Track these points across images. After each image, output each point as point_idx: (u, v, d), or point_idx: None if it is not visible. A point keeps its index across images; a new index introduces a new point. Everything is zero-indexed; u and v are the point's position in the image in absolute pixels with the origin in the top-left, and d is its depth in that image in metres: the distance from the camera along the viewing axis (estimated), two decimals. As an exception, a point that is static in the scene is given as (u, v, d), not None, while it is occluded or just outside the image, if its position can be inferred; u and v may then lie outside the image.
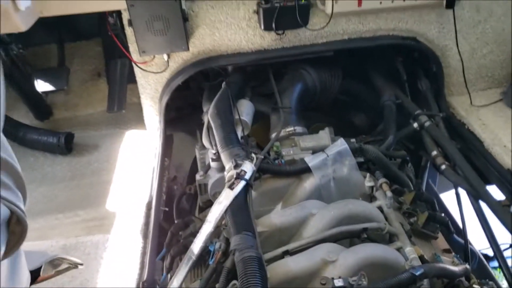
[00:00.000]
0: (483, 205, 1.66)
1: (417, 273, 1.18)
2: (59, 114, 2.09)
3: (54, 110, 2.09)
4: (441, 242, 1.80)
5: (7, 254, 0.74)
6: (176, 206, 1.95)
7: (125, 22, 1.70)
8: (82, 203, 1.58)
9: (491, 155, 1.70)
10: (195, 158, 2.18)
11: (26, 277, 0.87)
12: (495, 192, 1.67)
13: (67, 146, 1.88)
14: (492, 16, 1.91)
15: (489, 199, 1.56)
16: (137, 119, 2.07)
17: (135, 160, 1.80)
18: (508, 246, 2.24)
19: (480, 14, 1.90)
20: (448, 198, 2.23)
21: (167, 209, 1.79)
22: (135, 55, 1.77)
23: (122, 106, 1.97)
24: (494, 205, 1.54)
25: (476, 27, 1.92)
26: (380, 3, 1.76)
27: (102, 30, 2.17)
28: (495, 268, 2.12)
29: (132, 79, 2.07)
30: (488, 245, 1.79)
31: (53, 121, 2.03)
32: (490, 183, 1.73)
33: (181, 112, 2.21)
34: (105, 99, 2.13)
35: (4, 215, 0.70)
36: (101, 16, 2.06)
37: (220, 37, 1.78)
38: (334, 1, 1.71)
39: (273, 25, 1.72)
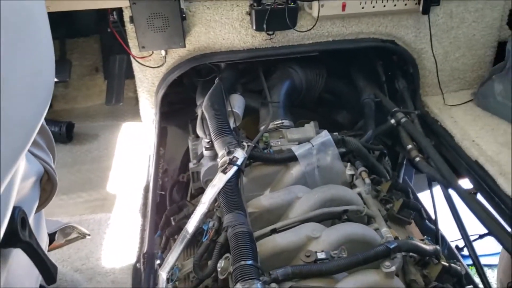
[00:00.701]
0: (453, 194, 1.82)
1: (391, 246, 1.32)
2: (59, 106, 2.19)
3: (53, 102, 2.19)
4: (415, 231, 1.95)
5: (37, 209, 0.83)
6: (170, 194, 2.07)
7: (126, 19, 1.82)
8: (84, 186, 1.69)
9: (460, 149, 1.86)
10: (186, 150, 2.31)
11: (46, 238, 0.97)
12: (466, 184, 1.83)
13: (67, 135, 1.98)
14: (464, 23, 2.08)
15: (458, 188, 1.71)
16: (133, 112, 2.18)
17: (132, 148, 1.91)
18: (477, 237, 2.41)
19: (453, 21, 2.06)
20: (422, 197, 2.38)
21: (163, 192, 1.91)
22: (134, 51, 1.88)
23: (120, 99, 2.08)
24: (463, 193, 1.69)
25: (449, 32, 2.09)
26: (362, 8, 1.91)
27: (101, 27, 2.27)
28: (468, 265, 2.27)
29: (128, 74, 2.19)
30: (458, 237, 1.95)
31: (53, 112, 2.13)
32: (460, 175, 1.89)
33: (173, 107, 2.33)
34: (103, 93, 2.24)
35: (39, 172, 0.80)
36: (100, 14, 2.18)
37: (214, 35, 1.91)
38: (320, 5, 1.85)
39: (264, 26, 1.85)
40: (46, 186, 0.83)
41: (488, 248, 2.70)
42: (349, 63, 2.27)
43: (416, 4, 1.94)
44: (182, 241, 1.48)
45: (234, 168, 1.53)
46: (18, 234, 0.63)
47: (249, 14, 1.88)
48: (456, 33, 2.10)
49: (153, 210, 1.61)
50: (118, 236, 1.48)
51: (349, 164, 1.80)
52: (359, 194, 1.69)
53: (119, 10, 1.83)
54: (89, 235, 1.22)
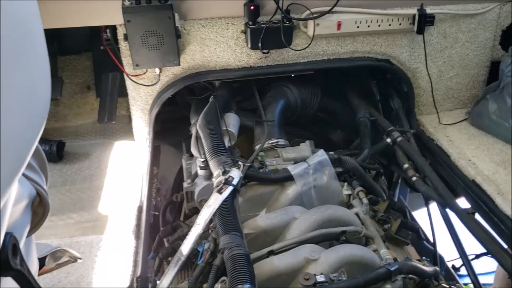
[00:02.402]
0: (450, 214, 1.80)
1: (392, 268, 1.30)
2: (49, 124, 2.15)
3: (44, 120, 2.15)
4: (412, 252, 1.93)
5: (28, 233, 0.79)
6: (163, 214, 2.03)
7: (120, 36, 1.80)
8: (75, 207, 1.64)
9: (457, 168, 1.85)
10: (179, 170, 2.28)
11: (36, 263, 0.93)
12: (463, 203, 1.82)
13: (58, 153, 1.94)
14: (458, 42, 2.09)
15: (455, 207, 1.69)
16: (125, 131, 2.15)
17: (125, 168, 1.87)
18: (474, 256, 2.39)
19: (446, 40, 2.08)
20: (417, 216, 2.37)
21: (157, 213, 1.86)
22: (127, 68, 1.86)
23: (112, 117, 2.05)
24: (460, 213, 1.67)
25: (443, 52, 2.10)
26: (357, 27, 1.91)
27: (93, 44, 2.25)
28: (465, 284, 2.24)
29: (121, 92, 2.16)
30: (455, 256, 1.93)
31: (43, 130, 2.08)
32: (457, 195, 1.87)
33: (166, 126, 2.30)
34: (94, 111, 2.20)
35: (31, 195, 0.77)
36: (93, 31, 2.16)
37: (209, 54, 1.89)
38: (315, 24, 1.85)
39: (259, 45, 1.84)
40: (38, 209, 0.80)
41: (483, 267, 2.68)
42: (343, 81, 2.27)
43: (410, 24, 1.95)
44: (177, 263, 1.44)
45: (230, 188, 1.50)
46: (9, 262, 0.59)
47: (244, 32, 1.87)
48: (450, 53, 2.11)
49: (146, 231, 1.57)
50: (110, 259, 1.43)
51: (346, 184, 1.78)
52: (357, 214, 1.67)
53: (113, 28, 1.81)
54: (80, 258, 1.18)
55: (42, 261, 1.09)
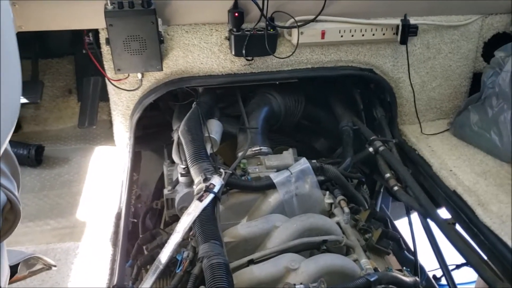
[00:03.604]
0: (431, 224, 1.80)
1: (372, 279, 1.29)
2: (29, 127, 2.11)
3: (23, 124, 2.11)
4: (392, 261, 1.93)
5: None
6: (143, 221, 2.00)
7: (102, 40, 1.78)
8: (52, 213, 1.60)
9: (438, 178, 1.86)
10: (160, 176, 2.25)
11: (7, 271, 0.90)
12: (444, 213, 1.82)
13: (37, 158, 1.90)
14: (440, 53, 2.11)
15: (436, 217, 1.69)
16: (106, 136, 2.12)
17: (104, 173, 1.84)
18: (454, 267, 2.41)
19: (429, 51, 2.09)
20: (399, 224, 2.37)
21: (135, 220, 1.84)
22: (109, 73, 1.84)
23: (93, 122, 2.02)
24: (441, 223, 1.68)
25: (426, 63, 2.11)
26: (341, 36, 1.92)
27: (75, 48, 2.22)
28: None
29: (102, 96, 2.13)
30: (436, 266, 1.93)
31: (22, 134, 2.04)
32: (438, 205, 1.88)
33: (147, 131, 2.28)
34: (75, 115, 2.17)
35: (1, 202, 0.75)
36: (75, 35, 2.13)
37: (193, 59, 1.88)
38: (299, 33, 1.85)
39: (243, 51, 1.83)
40: (9, 215, 0.78)
41: (465, 277, 2.69)
42: (327, 90, 2.27)
43: (394, 34, 1.96)
44: (155, 271, 1.42)
45: (211, 196, 1.48)
46: None
47: (228, 39, 1.86)
48: (433, 64, 2.12)
49: (124, 239, 1.54)
50: (86, 267, 1.40)
51: (327, 192, 1.77)
52: (338, 223, 1.66)
53: (95, 32, 1.78)
54: (55, 266, 1.15)
55: (14, 269, 1.06)
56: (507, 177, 1.79)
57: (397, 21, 1.93)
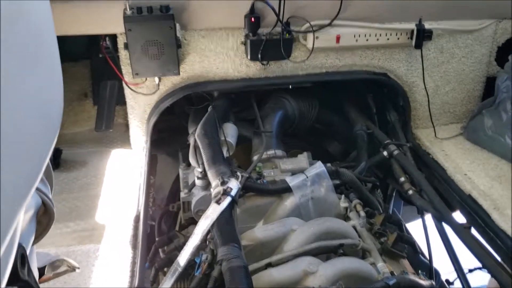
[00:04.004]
0: (446, 228, 1.81)
1: (390, 282, 1.30)
2: (45, 131, 2.13)
3: (40, 127, 2.13)
4: (407, 266, 1.93)
5: (33, 243, 0.79)
6: (159, 224, 2.02)
7: (120, 45, 1.80)
8: (71, 215, 1.62)
9: (453, 182, 1.86)
10: (175, 179, 2.27)
11: (36, 272, 0.92)
12: (458, 216, 1.83)
13: (54, 161, 1.92)
14: (454, 58, 2.12)
15: (452, 221, 1.70)
16: (122, 139, 2.14)
17: (122, 176, 1.86)
18: (468, 270, 2.40)
19: (443, 55, 2.10)
20: (410, 227, 2.38)
21: (153, 223, 1.85)
22: (127, 77, 1.86)
23: (110, 126, 2.04)
24: (457, 227, 1.68)
25: (440, 67, 2.12)
26: (356, 41, 1.93)
27: (91, 52, 2.25)
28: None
29: (118, 100, 2.16)
30: (447, 270, 1.93)
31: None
32: (453, 208, 1.89)
33: (162, 135, 2.30)
34: (91, 119, 2.19)
35: (37, 205, 0.76)
36: (91, 39, 2.15)
37: (209, 64, 1.90)
38: (315, 37, 1.87)
39: (259, 56, 1.85)
40: (42, 218, 0.80)
41: (475, 281, 2.69)
42: (341, 94, 2.28)
43: (408, 38, 1.97)
44: (173, 274, 1.43)
45: (228, 199, 1.49)
46: (18, 273, 0.59)
47: (244, 44, 1.88)
48: (447, 68, 2.13)
49: (143, 242, 1.56)
50: (107, 269, 1.42)
51: (343, 196, 1.78)
52: (354, 227, 1.67)
53: (113, 36, 1.81)
54: (78, 268, 1.17)
55: (41, 271, 1.08)
56: (522, 182, 1.80)
57: (412, 25, 1.95)
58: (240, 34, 1.88)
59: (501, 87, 1.98)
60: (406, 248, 1.78)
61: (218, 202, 1.50)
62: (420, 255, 1.97)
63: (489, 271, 1.54)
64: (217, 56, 1.90)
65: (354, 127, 2.17)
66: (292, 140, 2.26)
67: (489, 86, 2.15)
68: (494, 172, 1.88)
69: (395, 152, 2.02)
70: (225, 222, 1.44)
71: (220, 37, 1.87)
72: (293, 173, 1.79)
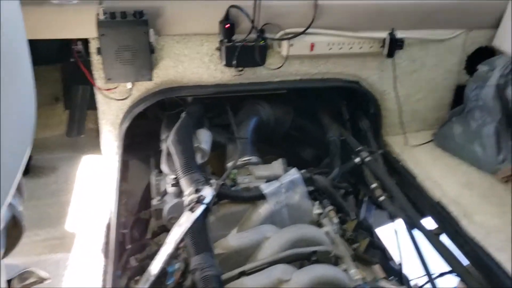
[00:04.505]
0: (417, 233, 1.84)
1: (363, 290, 1.32)
2: (14, 136, 2.08)
3: (8, 132, 2.07)
4: (379, 271, 1.95)
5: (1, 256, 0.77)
6: (131, 232, 1.98)
7: (93, 50, 1.77)
8: (41, 223, 1.58)
9: (423, 189, 1.90)
10: (147, 185, 2.24)
11: (5, 286, 0.90)
12: (429, 222, 1.86)
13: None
14: (425, 67, 2.16)
15: (422, 227, 1.73)
16: (93, 145, 2.09)
17: (93, 182, 1.83)
18: (438, 274, 2.45)
19: (415, 64, 2.14)
20: (380, 232, 2.41)
21: (126, 231, 1.82)
22: (99, 82, 1.83)
23: (82, 131, 2.00)
24: (427, 233, 1.71)
25: (411, 75, 2.16)
26: (330, 49, 1.95)
27: (63, 56, 2.20)
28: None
29: (89, 105, 2.11)
30: (416, 275, 1.96)
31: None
32: (423, 214, 1.92)
33: (134, 140, 2.26)
34: (62, 124, 2.15)
35: (7, 218, 0.74)
36: (63, 43, 2.11)
37: (183, 69, 1.88)
38: (289, 45, 1.88)
39: (234, 62, 1.85)
40: (12, 231, 0.78)
41: (446, 284, 2.75)
42: (315, 101, 2.30)
43: (381, 47, 2.00)
44: (145, 283, 1.42)
45: (202, 207, 1.49)
46: None
47: (219, 50, 1.87)
48: (418, 76, 2.17)
49: (116, 249, 1.54)
50: (78, 279, 1.39)
51: (317, 202, 1.80)
52: (327, 233, 1.68)
53: (85, 40, 1.78)
54: (49, 278, 1.14)
55: (8, 283, 1.05)
56: (490, 188, 1.85)
57: (384, 34, 1.97)
58: (215, 40, 1.87)
59: (470, 96, 2.03)
60: (378, 254, 1.81)
61: (191, 210, 1.49)
62: (390, 260, 2.00)
63: (459, 276, 1.57)
64: (192, 61, 1.88)
65: (328, 134, 2.19)
66: (267, 147, 2.27)
67: (459, 95, 2.20)
68: (463, 179, 1.93)
69: (367, 159, 2.04)
70: (199, 230, 1.43)
71: (195, 43, 1.86)
72: (268, 180, 1.79)
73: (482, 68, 2.00)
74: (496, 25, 2.12)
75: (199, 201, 1.51)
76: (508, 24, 2.04)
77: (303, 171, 1.87)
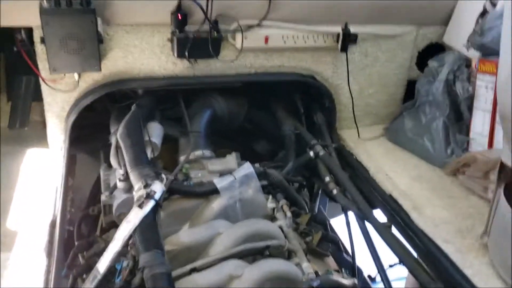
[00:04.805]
0: (369, 226, 1.86)
1: (315, 285, 1.32)
2: (-48, 128, 1.96)
3: None
4: (332, 263, 1.97)
5: None
6: (78, 228, 1.91)
7: (36, 39, 1.68)
8: (-20, 221, 1.50)
9: (375, 182, 1.92)
10: (96, 180, 2.16)
11: None
12: (380, 215, 1.89)
13: (-39, 162, 1.77)
14: (378, 61, 2.19)
15: (374, 220, 1.75)
16: (39, 138, 2.00)
17: (37, 178, 1.75)
18: (388, 266, 2.51)
19: (367, 59, 2.17)
20: (335, 223, 2.44)
21: (72, 228, 1.75)
22: (44, 73, 1.74)
23: (25, 123, 1.91)
24: (378, 226, 1.73)
25: (364, 70, 2.19)
26: (284, 42, 1.94)
27: (4, 45, 2.08)
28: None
29: (35, 97, 2.02)
30: (370, 266, 2.00)
31: None
32: (375, 207, 1.95)
33: (82, 132, 2.18)
34: (5, 116, 2.04)
35: None
36: (4, 31, 2.00)
37: (133, 60, 1.82)
38: (244, 37, 1.85)
39: (186, 54, 1.80)
40: None
41: (397, 274, 2.82)
42: (270, 94, 2.29)
43: (335, 42, 2.01)
44: (92, 281, 1.36)
45: (152, 203, 1.44)
46: None
47: (171, 41, 1.82)
48: (371, 71, 2.20)
49: (60, 248, 1.47)
50: (19, 279, 1.32)
51: (270, 196, 1.79)
52: (280, 227, 1.67)
53: (29, 29, 1.68)
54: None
55: None
56: (439, 182, 1.89)
57: (338, 29, 1.98)
58: (167, 31, 1.82)
59: (421, 91, 2.07)
60: (330, 247, 1.82)
61: (140, 206, 1.45)
62: (344, 253, 2.03)
63: (408, 268, 1.60)
64: (142, 52, 1.83)
65: (282, 128, 2.18)
66: (221, 140, 2.23)
67: (410, 89, 2.24)
68: (414, 172, 1.97)
69: (321, 153, 2.05)
70: (148, 227, 1.39)
71: (146, 33, 1.81)
72: (222, 174, 1.76)
73: (432, 63, 2.04)
74: (446, 22, 2.17)
75: (148, 196, 1.46)
76: (457, 21, 2.10)
77: (257, 165, 1.85)
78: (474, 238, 1.56)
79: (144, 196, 1.46)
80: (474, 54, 1.91)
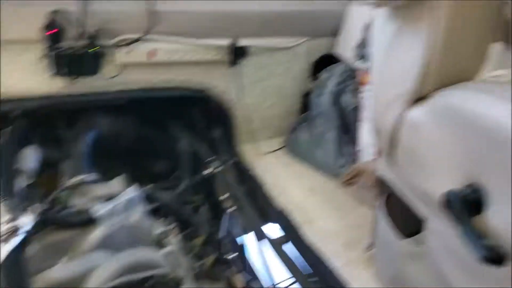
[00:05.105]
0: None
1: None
2: None
3: None
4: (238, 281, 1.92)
5: None
6: None
7: None
8: None
9: (271, 196, 1.89)
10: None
11: None
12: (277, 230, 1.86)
13: None
14: (273, 74, 2.17)
15: (268, 237, 1.71)
16: None
17: None
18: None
19: (263, 72, 2.14)
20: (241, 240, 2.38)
21: None
22: None
23: None
24: (272, 242, 1.70)
25: (260, 83, 2.16)
26: (171, 56, 1.86)
27: None
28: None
29: None
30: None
31: None
32: (272, 222, 1.91)
33: None
34: None
35: None
36: None
37: (4, 80, 1.66)
38: (125, 52, 1.75)
39: (64, 71, 1.68)
40: None
41: None
42: (163, 111, 2.19)
43: (226, 55, 1.96)
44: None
45: (19, 238, 1.32)
46: None
47: (46, 58, 1.69)
48: (267, 84, 2.17)
49: None
50: None
51: (161, 220, 1.70)
52: (170, 253, 1.59)
53: None
54: None
55: None
56: (332, 193, 1.90)
57: (228, 42, 1.94)
58: (41, 47, 1.68)
59: (313, 103, 2.08)
60: (228, 268, 1.76)
61: (6, 241, 1.31)
62: (244, 271, 1.98)
63: (300, 284, 1.58)
64: (14, 71, 1.67)
65: (178, 145, 2.10)
66: (110, 162, 2.11)
67: (306, 102, 2.25)
68: (308, 184, 1.96)
69: (219, 169, 1.99)
70: (14, 265, 1.26)
71: (17, 50, 1.66)
72: (107, 199, 1.65)
73: (323, 75, 2.06)
74: (336, 33, 2.19)
75: (15, 230, 1.33)
76: (345, 32, 2.13)
77: (149, 186, 1.76)
78: (362, 250, 1.56)
79: (11, 230, 1.33)
80: (362, 66, 1.94)
